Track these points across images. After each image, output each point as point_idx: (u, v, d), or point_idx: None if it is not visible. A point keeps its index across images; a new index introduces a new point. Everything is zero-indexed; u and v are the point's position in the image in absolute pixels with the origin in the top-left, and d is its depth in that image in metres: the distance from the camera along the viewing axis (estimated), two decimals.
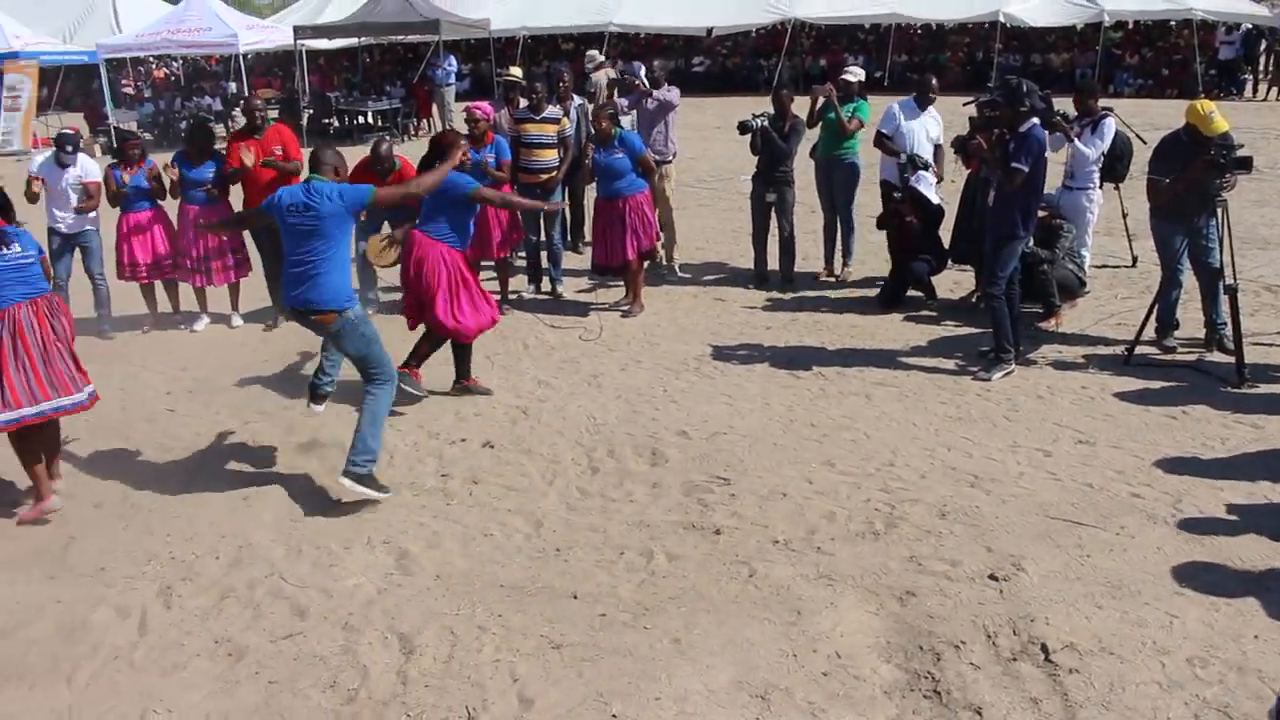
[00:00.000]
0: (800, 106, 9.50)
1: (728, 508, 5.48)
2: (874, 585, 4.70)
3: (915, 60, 30.95)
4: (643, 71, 10.70)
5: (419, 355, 7.26)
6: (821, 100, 9.49)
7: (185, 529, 5.61)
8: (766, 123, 9.34)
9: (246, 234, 9.17)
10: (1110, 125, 8.74)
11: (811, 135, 9.74)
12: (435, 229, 6.96)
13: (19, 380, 5.61)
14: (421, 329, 7.22)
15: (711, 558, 5.00)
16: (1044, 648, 4.19)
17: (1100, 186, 8.92)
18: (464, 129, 9.05)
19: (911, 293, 9.10)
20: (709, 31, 30.49)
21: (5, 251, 5.61)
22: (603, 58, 13.60)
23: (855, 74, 9.88)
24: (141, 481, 6.24)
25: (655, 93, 9.99)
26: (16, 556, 5.41)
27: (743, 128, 9.40)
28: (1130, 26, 30.35)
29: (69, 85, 35.72)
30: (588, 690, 4.06)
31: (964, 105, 8.76)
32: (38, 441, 5.84)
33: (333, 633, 4.55)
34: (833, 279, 9.87)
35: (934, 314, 8.77)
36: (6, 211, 5.85)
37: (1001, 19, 27.12)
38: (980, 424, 6.47)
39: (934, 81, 9.48)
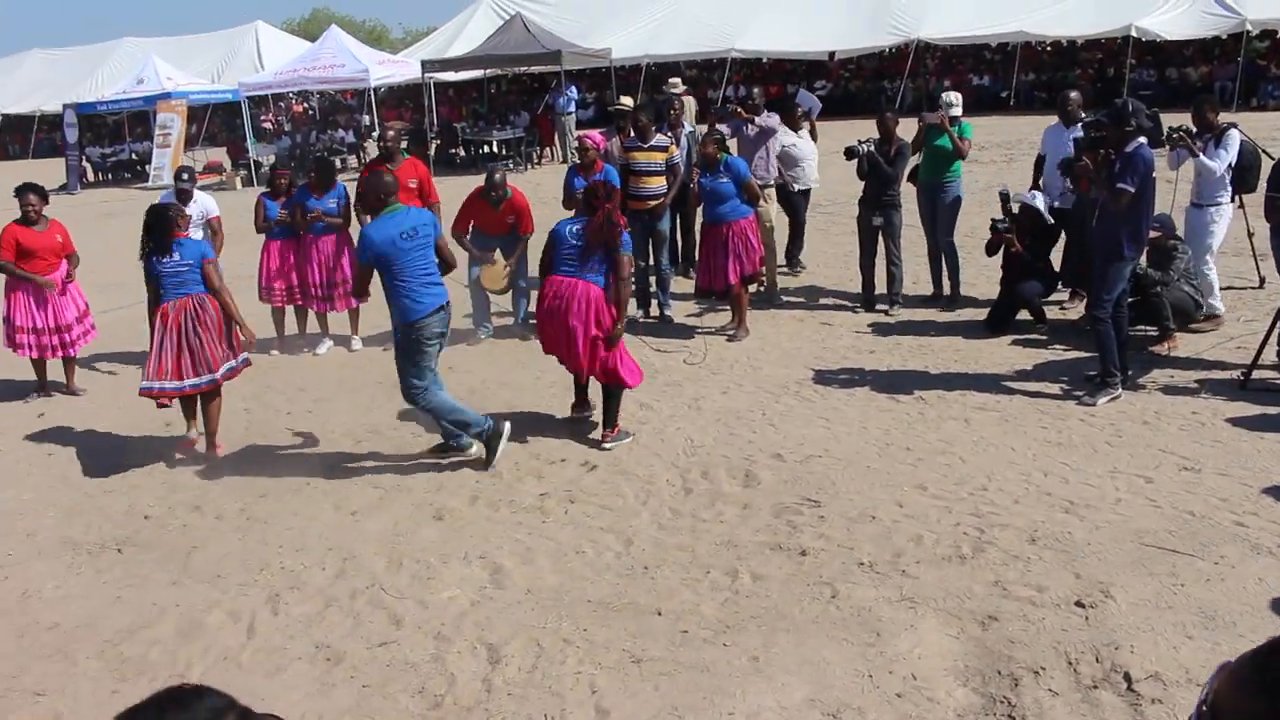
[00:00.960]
0: (907, 130, 9.51)
1: (816, 529, 5.54)
2: (956, 609, 4.70)
3: (1042, 78, 30.34)
4: (810, 100, 10.99)
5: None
6: (932, 124, 9.45)
7: (296, 540, 5.93)
8: (873, 147, 9.36)
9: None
10: (1234, 137, 8.50)
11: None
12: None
13: (179, 359, 6.97)
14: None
15: (795, 578, 5.07)
16: (1127, 676, 4.14)
17: (1233, 200, 8.67)
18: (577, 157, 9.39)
19: (1022, 315, 8.98)
20: (831, 55, 30.46)
21: (168, 259, 6.98)
22: (683, 85, 13.76)
23: (951, 100, 9.77)
24: (259, 495, 6.61)
25: (756, 119, 10.11)
26: (146, 565, 5.79)
27: (849, 153, 9.45)
28: (1278, 36, 29.09)
29: (215, 122, 37.61)
30: (663, 704, 4.18)
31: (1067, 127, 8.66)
32: (203, 404, 7.33)
33: (425, 641, 4.77)
34: (939, 302, 9.79)
35: (1043, 337, 8.65)
36: (166, 230, 7.08)
37: (1134, 33, 26.34)
38: (1080, 449, 6.39)
39: (1073, 95, 9.28)
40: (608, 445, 6.90)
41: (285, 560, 5.72)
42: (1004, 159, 19.16)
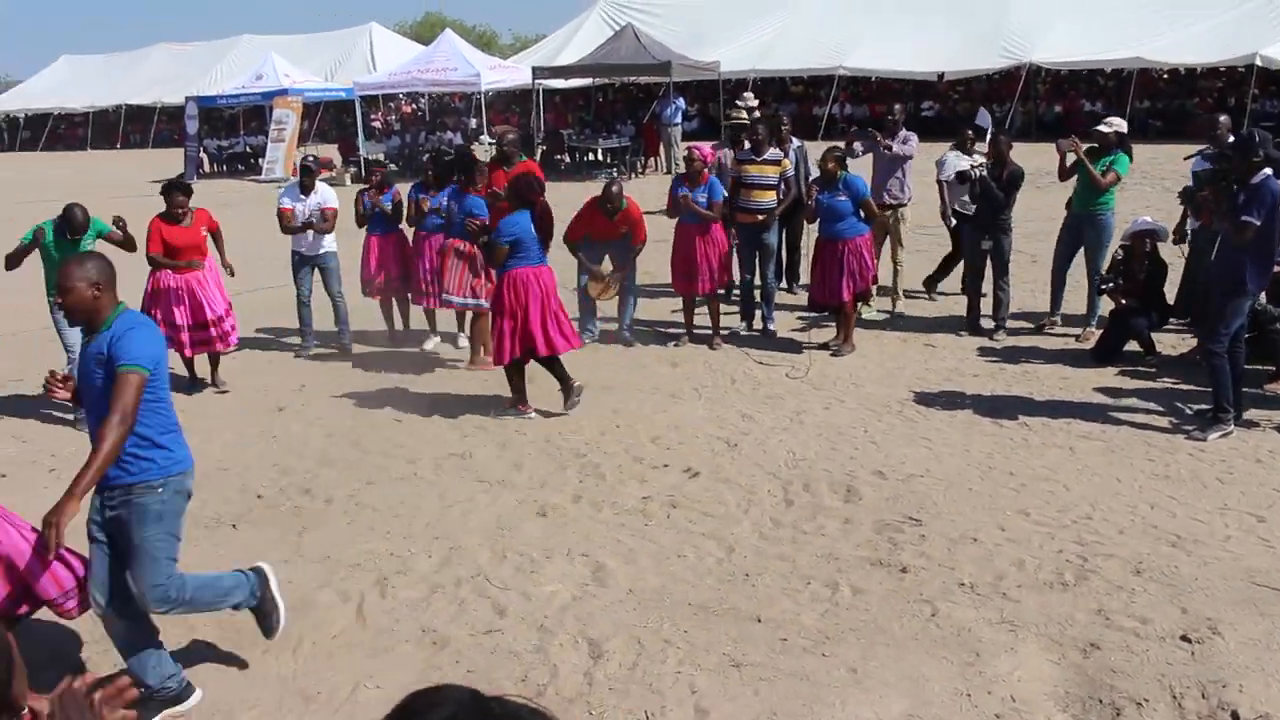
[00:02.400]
0: (1032, 153, 9.43)
1: (917, 548, 5.55)
2: (1058, 635, 4.68)
3: (1158, 107, 29.65)
4: (988, 120, 10.89)
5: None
6: (1070, 156, 9.30)
7: (403, 528, 6.11)
8: (985, 172, 9.30)
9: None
10: None
11: (1065, 187, 9.66)
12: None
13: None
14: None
15: (895, 594, 5.10)
16: (1234, 715, 4.09)
17: None
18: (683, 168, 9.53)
19: (1130, 346, 8.85)
20: (940, 76, 30.17)
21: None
22: (755, 101, 13.74)
23: (1113, 125, 9.42)
24: (366, 482, 6.82)
25: (894, 145, 10.11)
26: (259, 542, 6.02)
27: (961, 177, 9.40)
28: None
29: (326, 119, 38.58)
30: (762, 708, 4.25)
31: (1185, 159, 8.50)
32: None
33: (528, 633, 4.90)
34: (1073, 339, 9.44)
35: (1151, 370, 8.52)
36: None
37: (1259, 61, 25.57)
38: (1189, 484, 6.29)
39: (1222, 120, 8.99)
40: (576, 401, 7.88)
41: (393, 546, 5.90)
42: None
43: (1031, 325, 9.90)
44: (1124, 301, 8.66)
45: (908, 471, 6.58)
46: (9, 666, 1.57)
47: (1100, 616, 4.82)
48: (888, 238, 10.34)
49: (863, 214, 9.08)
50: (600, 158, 25.45)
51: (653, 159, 25.62)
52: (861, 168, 9.82)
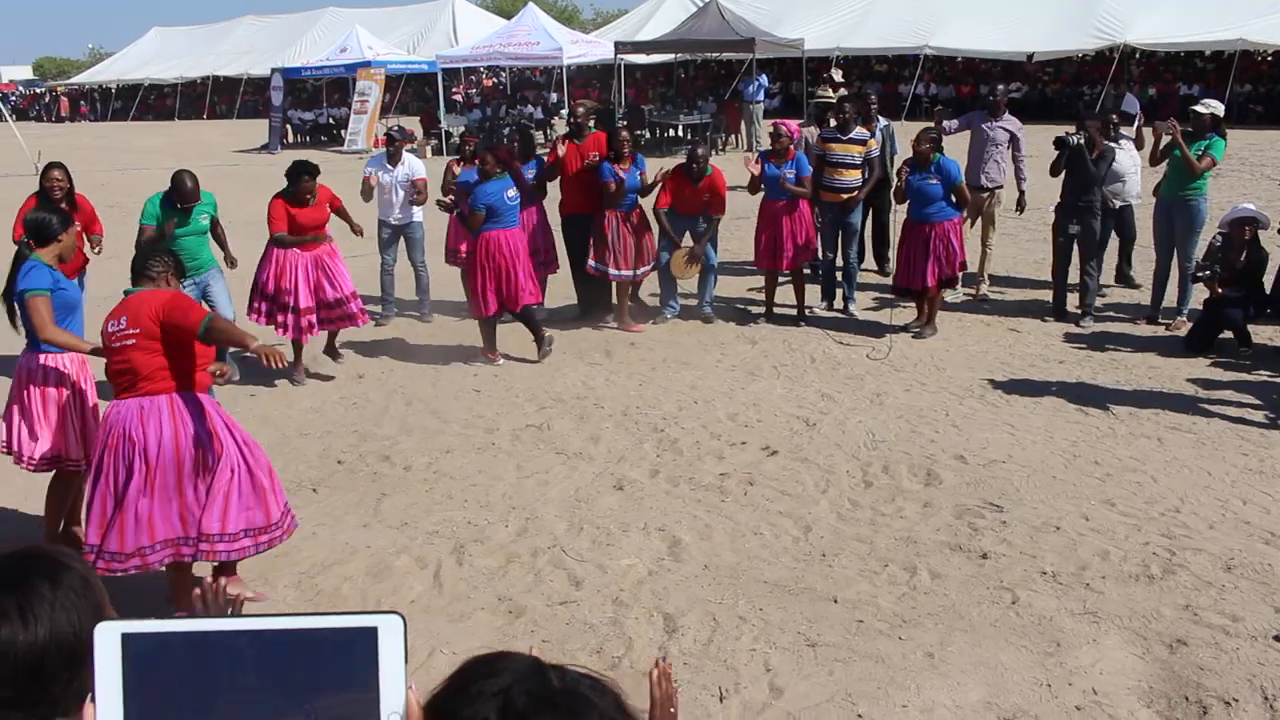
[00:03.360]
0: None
1: (997, 534, 5.46)
2: (1142, 629, 4.58)
3: (1261, 90, 28.68)
4: (1136, 105, 10.60)
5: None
6: (1166, 137, 9.05)
7: (481, 497, 6.17)
8: (1083, 141, 9.02)
9: (557, 233, 9.80)
10: None
11: (1156, 171, 9.41)
12: None
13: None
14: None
15: (975, 580, 5.02)
16: None
17: None
18: (768, 144, 9.44)
19: (1224, 336, 8.60)
20: (1029, 57, 29.52)
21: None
22: (841, 77, 13.49)
23: (1210, 106, 9.17)
24: (444, 451, 6.89)
25: (1000, 123, 9.87)
26: (339, 506, 6.11)
27: (1059, 143, 9.10)
28: None
29: (408, 92, 38.92)
30: (837, 689, 4.22)
31: None
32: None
33: (604, 605, 4.91)
34: (1163, 328, 9.19)
35: (1246, 362, 8.27)
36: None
37: None
38: None
39: None
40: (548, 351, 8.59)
41: (470, 515, 5.96)
42: (1213, 176, 18.25)
43: (1124, 315, 9.66)
44: (1220, 290, 8.41)
45: (989, 457, 6.47)
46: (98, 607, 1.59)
47: (1188, 612, 4.70)
48: (979, 218, 10.11)
49: (954, 199, 8.91)
50: (680, 134, 25.33)
51: (734, 136, 25.46)
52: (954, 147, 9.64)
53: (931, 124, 9.85)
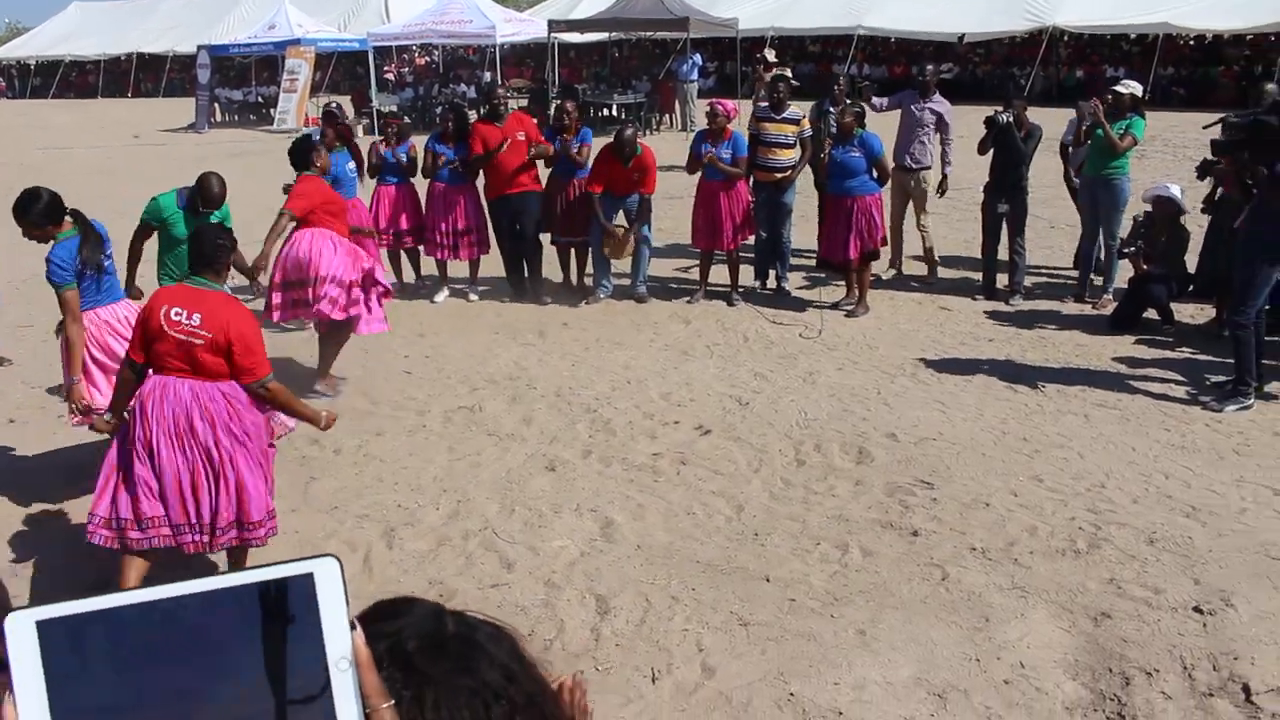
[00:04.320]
0: (1050, 117, 9.27)
1: (928, 511, 5.51)
2: (1068, 603, 4.64)
3: (1183, 74, 29.24)
4: (1138, 89, 10.33)
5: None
6: (1088, 118, 9.16)
7: (411, 480, 6.09)
8: (1011, 119, 9.09)
9: (486, 214, 9.72)
10: None
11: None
12: None
13: None
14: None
15: (906, 558, 5.06)
16: (1245, 688, 4.05)
17: None
18: (704, 123, 9.42)
19: (1148, 315, 8.75)
20: (961, 38, 29.78)
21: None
22: (774, 57, 13.46)
23: (1129, 86, 9.30)
24: (375, 434, 6.79)
25: (929, 104, 9.86)
26: None
27: (990, 122, 9.15)
28: None
29: (339, 70, 38.31)
30: (769, 668, 4.22)
31: (1204, 128, 8.35)
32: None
33: (535, 587, 4.87)
34: (1089, 307, 9.31)
35: (1169, 339, 8.43)
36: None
37: None
38: (1205, 455, 6.23)
39: (1270, 88, 8.81)
40: None
41: (400, 498, 5.88)
42: (1135, 156, 18.57)
43: (1052, 294, 9.79)
44: (1145, 267, 8.54)
45: (920, 435, 6.52)
46: None
47: (1112, 585, 4.77)
48: (908, 202, 10.15)
49: (875, 173, 8.96)
50: (615, 113, 25.23)
51: (668, 116, 25.41)
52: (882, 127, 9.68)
53: (859, 101, 9.88)
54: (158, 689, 0.83)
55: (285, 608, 0.87)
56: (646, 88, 26.08)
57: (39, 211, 5.47)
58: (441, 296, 9.94)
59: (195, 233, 5.02)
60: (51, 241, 5.51)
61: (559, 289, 9.99)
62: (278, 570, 0.87)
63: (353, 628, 0.89)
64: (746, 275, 9.93)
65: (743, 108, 12.42)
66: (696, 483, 5.92)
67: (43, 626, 0.81)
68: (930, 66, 10.84)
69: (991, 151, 9.33)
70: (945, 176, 9.95)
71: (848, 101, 9.78)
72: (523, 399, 7.31)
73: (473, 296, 9.92)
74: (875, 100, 10.33)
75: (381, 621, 1.12)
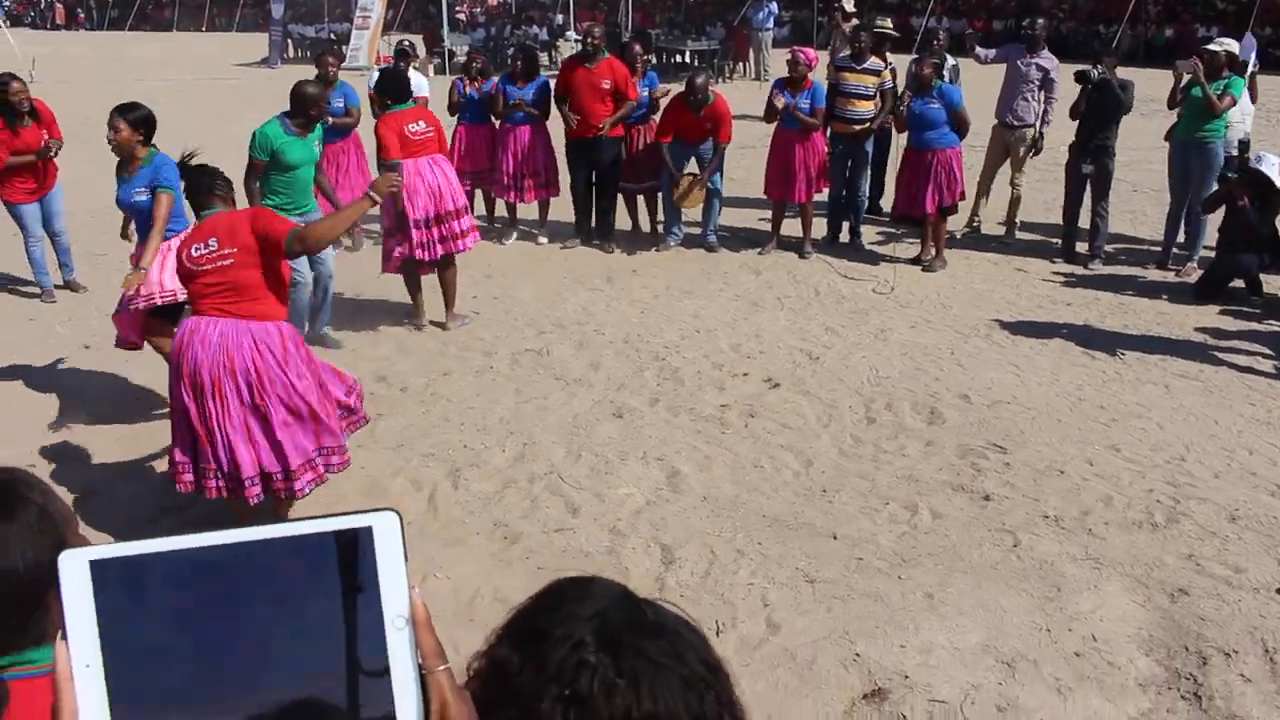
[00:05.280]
0: (1137, 78, 8.94)
1: (1000, 476, 5.39)
2: (1144, 577, 4.53)
3: None
4: (1253, 46, 9.84)
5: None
6: (1185, 76, 8.81)
7: (478, 421, 6.08)
8: (1105, 73, 8.76)
9: (560, 157, 9.63)
10: None
11: (1171, 116, 9.14)
12: None
13: None
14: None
15: (976, 522, 4.96)
16: None
17: None
18: (784, 71, 9.24)
19: (1235, 284, 8.47)
20: None
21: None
22: (852, 7, 13.11)
23: (1224, 44, 8.88)
24: (442, 373, 6.81)
25: (1035, 59, 9.50)
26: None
27: (1081, 76, 8.84)
28: None
29: (411, 9, 38.16)
30: (835, 625, 4.17)
31: None
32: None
33: (600, 534, 4.85)
34: (1173, 274, 8.99)
35: (1257, 311, 8.16)
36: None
37: None
38: None
39: None
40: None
41: (466, 439, 5.88)
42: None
43: (1133, 259, 9.51)
44: (1243, 202, 8.08)
45: (994, 397, 6.39)
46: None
47: (1190, 562, 4.64)
48: (1007, 160, 9.84)
49: (955, 125, 8.74)
50: (687, 59, 24.90)
51: (741, 64, 25.03)
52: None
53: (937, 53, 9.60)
54: (209, 634, 0.81)
55: (341, 560, 0.83)
56: (720, 34, 25.69)
57: (140, 117, 5.91)
58: (510, 239, 9.90)
59: (189, 171, 5.03)
60: (135, 161, 5.92)
61: (628, 236, 9.90)
62: (335, 522, 0.83)
63: (410, 588, 0.85)
64: (819, 228, 9.76)
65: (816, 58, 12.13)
66: (765, 436, 5.85)
67: (97, 566, 0.79)
68: (1040, 20, 10.36)
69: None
70: (1041, 136, 9.60)
71: (941, 56, 9.51)
72: (590, 344, 7.26)
73: (542, 239, 9.87)
74: (980, 51, 10.02)
75: (575, 601, 1.07)
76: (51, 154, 7.88)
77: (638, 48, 9.73)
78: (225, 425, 4.49)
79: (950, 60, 10.13)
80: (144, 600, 0.80)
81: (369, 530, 0.83)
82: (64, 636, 0.79)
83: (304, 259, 6.85)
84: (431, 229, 7.26)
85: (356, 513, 0.84)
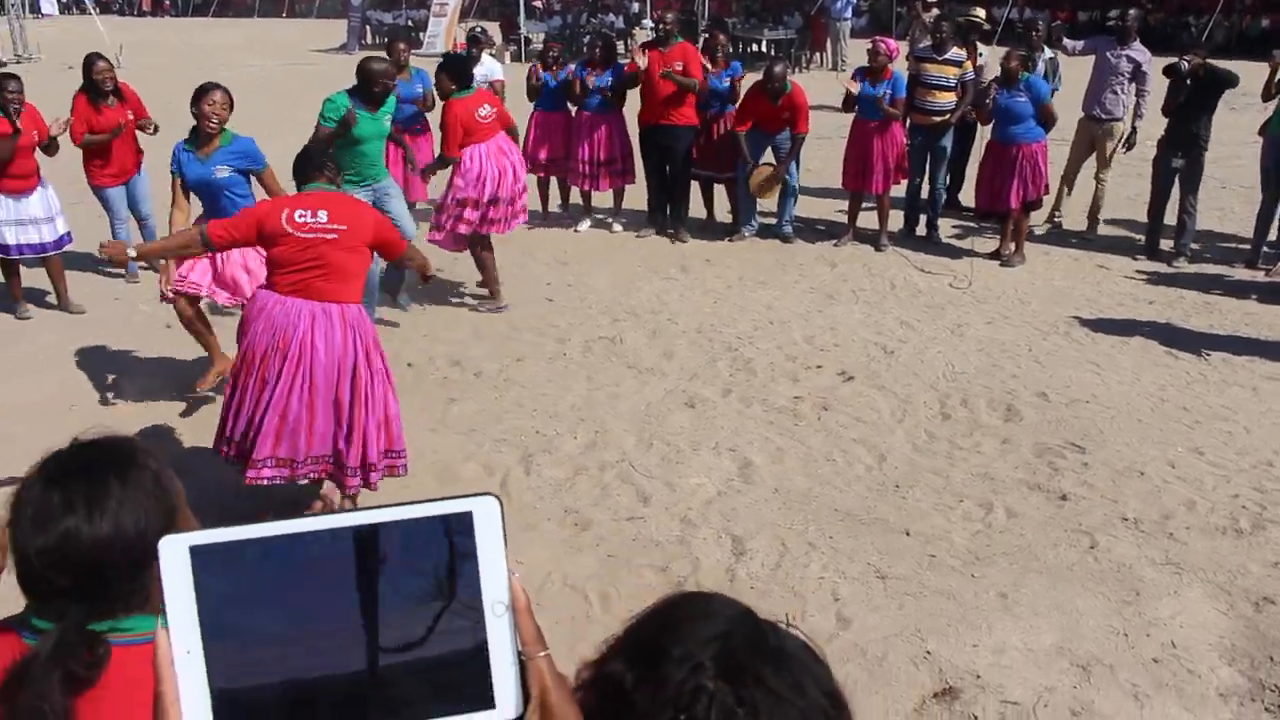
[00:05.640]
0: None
1: (1078, 476, 5.30)
2: (1227, 584, 4.42)
3: None
4: None
5: None
6: None
7: (550, 407, 6.11)
8: (1197, 63, 8.45)
9: (634, 145, 9.62)
10: None
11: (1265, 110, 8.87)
12: None
13: None
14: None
15: (1053, 522, 4.88)
16: None
17: None
18: (861, 61, 9.14)
19: None
20: None
21: None
22: None
23: None
24: (515, 359, 6.84)
25: (1126, 51, 9.26)
26: (407, 410, 6.03)
27: (1172, 71, 8.59)
28: None
29: None
30: (906, 622, 4.13)
31: None
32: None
33: (671, 523, 4.85)
34: (1261, 273, 8.72)
35: None
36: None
37: None
38: None
39: None
40: None
41: (539, 424, 5.91)
42: None
43: (1220, 258, 9.26)
44: None
45: (1073, 396, 6.27)
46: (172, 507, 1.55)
47: (1277, 570, 4.52)
48: (1092, 154, 9.61)
49: (1041, 119, 8.58)
50: (763, 49, 24.74)
51: (818, 54, 24.80)
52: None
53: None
54: (308, 619, 0.82)
55: (444, 546, 0.84)
56: (798, 23, 25.47)
57: (229, 96, 6.10)
58: (584, 226, 9.92)
59: (304, 149, 5.06)
60: (214, 140, 6.08)
61: (702, 225, 9.87)
62: (436, 507, 0.84)
63: (510, 573, 0.85)
64: (896, 220, 9.64)
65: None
66: (838, 429, 5.81)
67: (197, 552, 0.80)
68: (1133, 11, 10.07)
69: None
70: (1134, 130, 9.34)
71: (1039, 48, 9.30)
72: (663, 333, 7.26)
73: (616, 227, 9.88)
74: (1067, 43, 9.80)
75: (694, 622, 1.05)
76: (149, 131, 8.21)
77: (721, 37, 9.67)
78: (324, 409, 4.48)
79: (1047, 53, 9.90)
80: (244, 585, 0.81)
81: (469, 515, 0.83)
82: (164, 623, 0.80)
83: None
84: (482, 209, 7.42)
85: (457, 497, 0.84)
